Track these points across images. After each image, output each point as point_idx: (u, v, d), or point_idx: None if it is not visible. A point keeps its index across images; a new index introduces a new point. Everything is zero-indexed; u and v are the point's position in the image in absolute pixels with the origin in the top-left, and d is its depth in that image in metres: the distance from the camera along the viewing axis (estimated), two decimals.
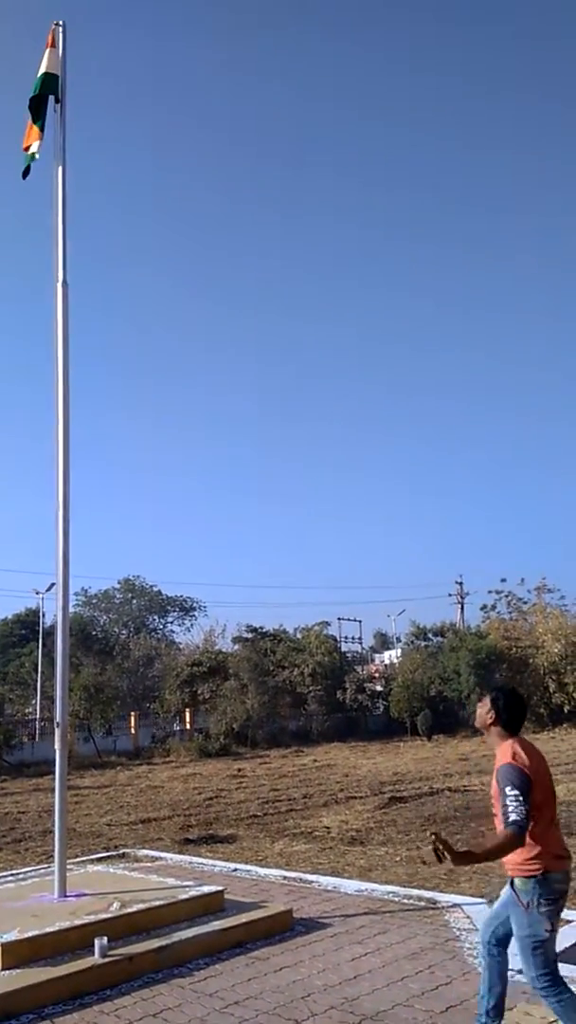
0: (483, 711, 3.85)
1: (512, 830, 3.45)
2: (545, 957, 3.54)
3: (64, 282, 7.15)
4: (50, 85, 7.42)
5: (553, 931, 3.58)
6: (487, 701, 3.86)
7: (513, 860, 3.60)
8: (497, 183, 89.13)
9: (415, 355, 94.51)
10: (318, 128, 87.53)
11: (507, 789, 3.53)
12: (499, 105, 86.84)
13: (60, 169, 7.32)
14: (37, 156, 7.40)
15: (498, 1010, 3.82)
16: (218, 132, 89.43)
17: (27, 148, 7.43)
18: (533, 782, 3.56)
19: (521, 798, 3.49)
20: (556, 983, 3.54)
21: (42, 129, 7.41)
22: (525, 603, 38.02)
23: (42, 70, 7.43)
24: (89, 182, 75.48)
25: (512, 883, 3.65)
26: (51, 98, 7.43)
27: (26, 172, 7.50)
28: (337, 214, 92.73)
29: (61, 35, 7.59)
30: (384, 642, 68.16)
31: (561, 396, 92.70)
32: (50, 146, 7.41)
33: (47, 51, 7.53)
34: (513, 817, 3.46)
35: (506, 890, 3.76)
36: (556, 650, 33.71)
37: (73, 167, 7.45)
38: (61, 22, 7.63)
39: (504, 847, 3.49)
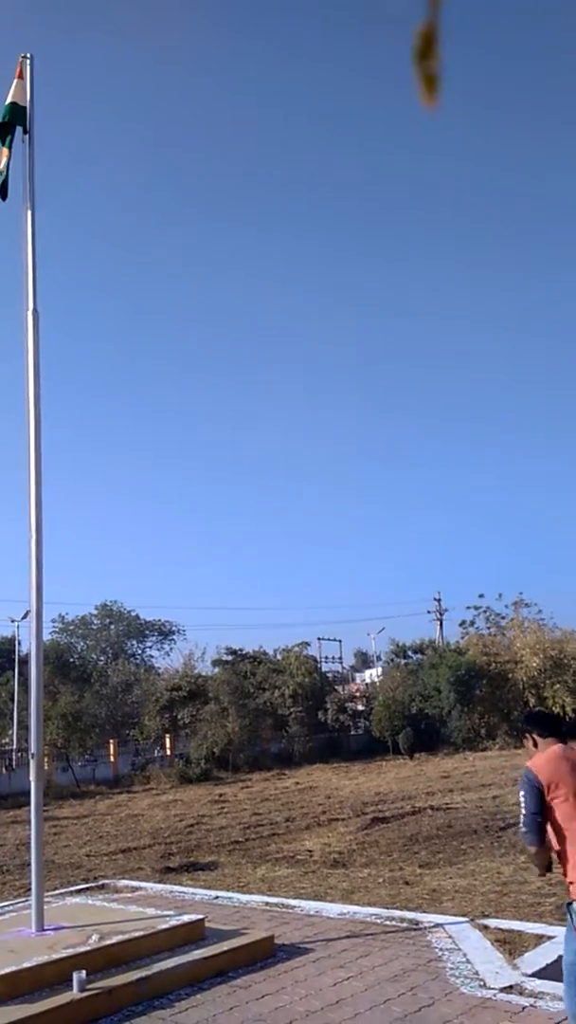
0: (529, 745, 3.85)
1: (521, 838, 3.61)
2: None
3: (35, 310, 7.19)
4: (17, 115, 7.58)
5: None
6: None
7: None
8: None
9: (401, 374, 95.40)
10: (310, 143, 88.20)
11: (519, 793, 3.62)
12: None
13: (29, 200, 7.39)
14: (4, 172, 7.52)
15: None
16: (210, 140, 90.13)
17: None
18: (547, 787, 3.52)
19: (523, 802, 3.55)
20: None
21: (10, 147, 7.55)
22: (503, 618, 38.26)
23: (9, 99, 7.59)
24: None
25: (569, 905, 3.55)
26: (18, 128, 7.58)
27: (3, 192, 7.60)
28: (334, 227, 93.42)
29: (29, 68, 7.72)
30: (365, 661, 68.02)
31: (539, 410, 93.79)
32: (19, 176, 7.52)
33: (15, 81, 7.68)
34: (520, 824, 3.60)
35: None
36: (535, 664, 33.94)
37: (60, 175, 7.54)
38: (29, 55, 7.76)
39: (529, 854, 3.66)
